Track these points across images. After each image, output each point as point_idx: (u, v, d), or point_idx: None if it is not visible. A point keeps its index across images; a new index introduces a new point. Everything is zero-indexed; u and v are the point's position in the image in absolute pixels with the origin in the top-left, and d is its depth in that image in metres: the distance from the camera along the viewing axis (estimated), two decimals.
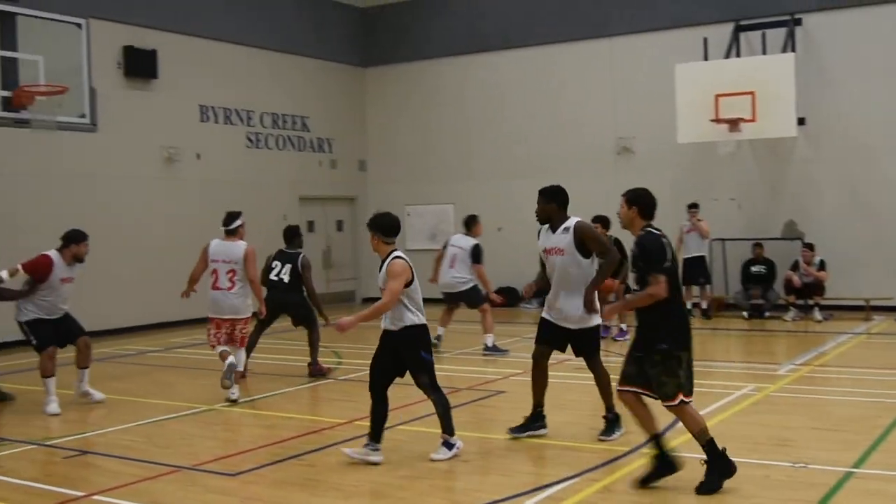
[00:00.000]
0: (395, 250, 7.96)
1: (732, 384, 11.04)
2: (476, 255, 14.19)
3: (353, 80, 24.13)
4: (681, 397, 6.76)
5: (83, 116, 12.55)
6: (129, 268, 17.83)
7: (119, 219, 17.68)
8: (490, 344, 14.05)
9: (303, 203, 22.22)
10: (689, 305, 18.08)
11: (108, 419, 10.10)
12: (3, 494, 7.21)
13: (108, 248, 17.50)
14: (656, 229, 7.02)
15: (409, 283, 7.83)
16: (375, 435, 7.86)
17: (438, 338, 14.16)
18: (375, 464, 7.72)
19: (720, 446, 6.79)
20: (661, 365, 6.77)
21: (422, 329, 7.92)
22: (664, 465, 6.89)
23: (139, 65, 18.38)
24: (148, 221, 18.45)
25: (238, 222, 11.33)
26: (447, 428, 7.93)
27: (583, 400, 10.37)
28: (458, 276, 14.16)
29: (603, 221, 15.01)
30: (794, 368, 12.25)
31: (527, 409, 9.41)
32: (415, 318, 7.88)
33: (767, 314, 17.70)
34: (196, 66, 19.88)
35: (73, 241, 10.55)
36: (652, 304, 6.77)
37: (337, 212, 23.43)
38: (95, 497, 7.06)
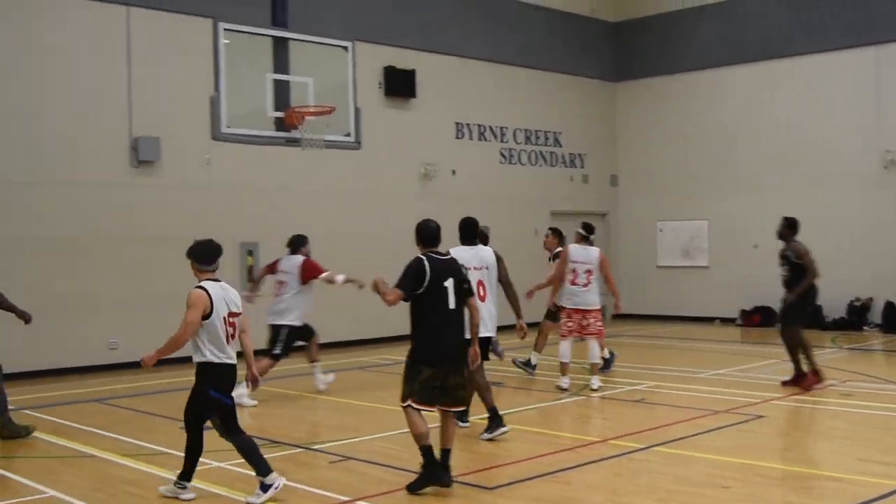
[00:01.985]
0: (207, 279, 7.60)
1: None
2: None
3: (605, 94, 24.04)
4: (409, 401, 7.57)
5: (348, 135, 13.06)
6: (388, 279, 18.40)
7: (379, 233, 18.31)
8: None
9: (554, 218, 22.28)
10: None
11: (370, 426, 10.46)
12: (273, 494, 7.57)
13: (370, 261, 18.16)
14: (433, 254, 7.87)
15: (206, 316, 7.39)
16: (186, 474, 7.52)
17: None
18: (189, 500, 7.44)
19: (438, 456, 7.55)
20: (404, 371, 7.70)
21: (215, 367, 7.45)
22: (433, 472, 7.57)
23: (399, 84, 19.05)
24: (405, 235, 18.96)
25: (594, 235, 13.09)
26: (258, 470, 7.44)
27: (848, 428, 9.88)
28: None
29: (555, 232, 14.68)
30: None
31: (787, 435, 9.12)
32: (209, 355, 7.43)
33: None
34: (451, 84, 20.39)
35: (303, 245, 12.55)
36: (412, 322, 7.73)
37: None
38: (359, 502, 7.31)
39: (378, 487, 7.71)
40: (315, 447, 9.30)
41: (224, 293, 7.59)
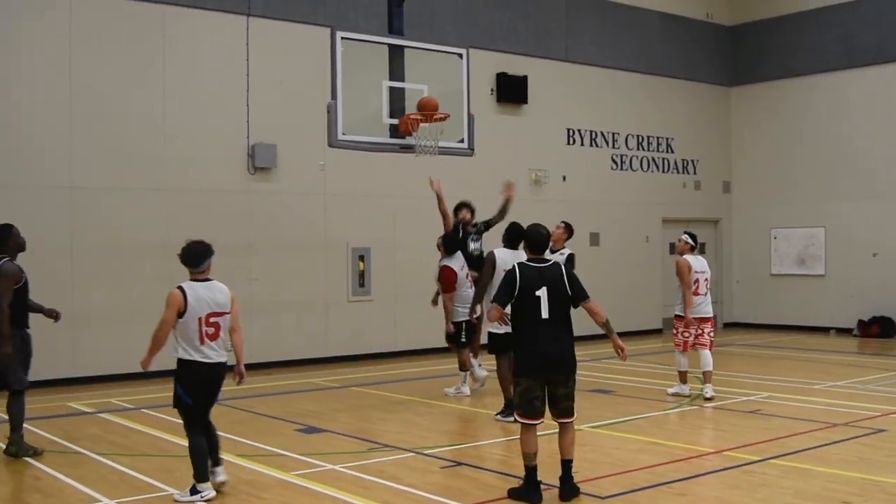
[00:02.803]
0: (192, 280, 7.83)
1: None
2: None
3: (719, 99, 23.67)
4: (515, 415, 7.84)
5: (461, 141, 13.11)
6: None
7: (490, 239, 18.33)
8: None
9: (666, 225, 22.07)
10: None
11: (481, 432, 10.52)
12: (386, 498, 7.64)
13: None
14: (532, 261, 7.85)
15: (181, 315, 7.64)
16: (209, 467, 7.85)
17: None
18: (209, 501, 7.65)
19: (539, 478, 7.50)
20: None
21: (186, 364, 7.73)
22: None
23: (510, 90, 19.12)
24: None
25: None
26: (195, 473, 7.68)
27: None
28: None
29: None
30: None
31: None
32: (181, 352, 7.72)
33: None
34: (563, 90, 20.34)
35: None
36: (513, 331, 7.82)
37: (700, 234, 22.64)
38: None
39: (489, 494, 7.74)
40: (427, 452, 9.36)
41: (208, 293, 7.80)
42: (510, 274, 7.74)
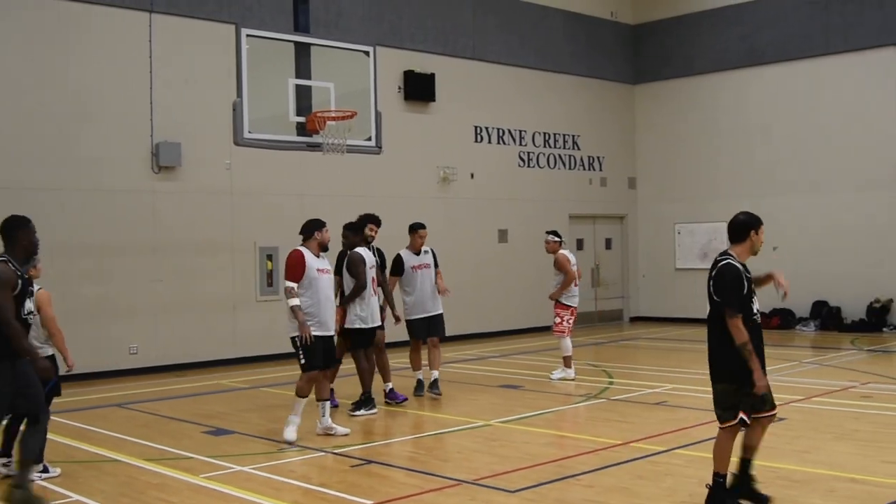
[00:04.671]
0: None
1: None
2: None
3: (623, 97, 24.04)
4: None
5: (369, 139, 13.14)
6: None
7: (398, 236, 18.35)
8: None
9: (573, 221, 22.32)
10: None
11: (391, 430, 10.53)
12: (295, 498, 7.61)
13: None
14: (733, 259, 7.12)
15: None
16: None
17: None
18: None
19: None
20: None
21: None
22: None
23: (418, 88, 19.15)
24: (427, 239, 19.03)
25: None
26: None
27: (870, 430, 9.87)
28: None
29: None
30: None
31: (808, 437, 9.13)
32: None
33: None
34: (470, 88, 20.45)
35: (316, 228, 10.21)
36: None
37: (606, 230, 23.35)
38: None
39: (401, 491, 7.75)
40: (337, 451, 9.34)
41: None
42: (734, 271, 7.09)
